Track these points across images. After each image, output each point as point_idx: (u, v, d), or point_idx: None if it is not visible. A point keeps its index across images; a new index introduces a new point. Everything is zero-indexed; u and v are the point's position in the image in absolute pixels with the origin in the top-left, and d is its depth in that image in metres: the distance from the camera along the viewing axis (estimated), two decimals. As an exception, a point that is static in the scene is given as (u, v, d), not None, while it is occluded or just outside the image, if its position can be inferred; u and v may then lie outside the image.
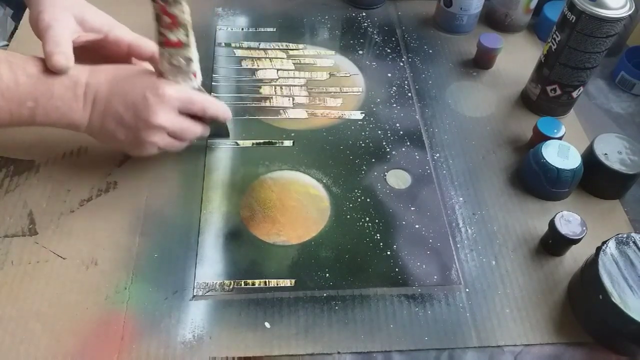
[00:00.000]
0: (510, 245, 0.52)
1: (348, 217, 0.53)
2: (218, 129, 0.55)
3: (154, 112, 0.46)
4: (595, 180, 0.55)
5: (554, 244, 0.50)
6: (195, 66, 0.49)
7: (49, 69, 0.44)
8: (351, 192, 0.55)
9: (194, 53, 0.48)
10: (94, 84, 0.46)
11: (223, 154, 0.57)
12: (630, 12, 0.52)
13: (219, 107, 0.51)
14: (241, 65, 0.67)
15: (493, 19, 0.75)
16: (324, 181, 0.55)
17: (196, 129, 0.51)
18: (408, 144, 0.60)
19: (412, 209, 0.54)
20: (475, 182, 0.56)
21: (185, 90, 0.49)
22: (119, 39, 0.50)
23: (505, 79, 0.68)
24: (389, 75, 0.67)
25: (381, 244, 0.51)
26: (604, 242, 0.45)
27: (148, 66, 0.52)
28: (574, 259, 0.51)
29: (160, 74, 0.48)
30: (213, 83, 0.64)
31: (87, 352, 0.42)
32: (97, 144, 0.56)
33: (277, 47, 0.70)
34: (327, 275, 0.48)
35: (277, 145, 0.59)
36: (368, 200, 0.54)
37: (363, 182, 0.56)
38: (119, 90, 0.47)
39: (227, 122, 0.55)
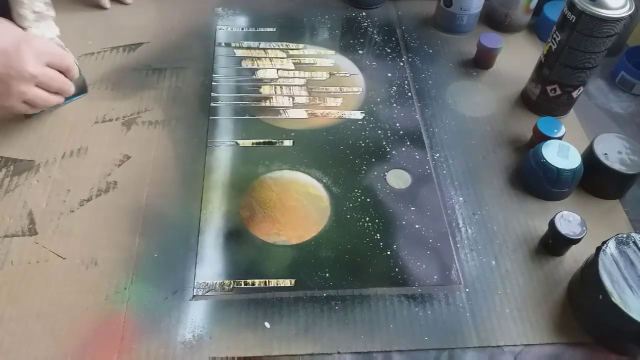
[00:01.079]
0: (510, 245, 0.52)
1: (348, 217, 0.53)
2: (78, 86, 0.58)
3: (26, 62, 0.48)
4: (595, 180, 0.55)
5: (554, 244, 0.50)
6: (53, 12, 0.52)
7: None
8: (351, 192, 0.55)
9: None
10: None
11: (223, 154, 0.57)
12: (630, 12, 0.52)
13: (72, 60, 0.55)
14: (241, 65, 0.67)
15: (493, 19, 0.75)
16: (324, 181, 0.55)
17: (61, 78, 0.53)
18: (408, 143, 0.60)
19: (412, 209, 0.54)
20: (475, 182, 0.56)
21: (54, 46, 0.52)
22: None
23: (505, 79, 0.68)
24: (389, 75, 0.67)
25: (381, 244, 0.51)
26: (604, 242, 0.45)
27: None
28: (574, 259, 0.51)
29: (23, 27, 0.51)
30: (213, 83, 0.64)
31: (87, 352, 0.42)
32: (97, 144, 0.57)
33: (277, 47, 0.70)
34: (327, 275, 0.48)
35: (277, 145, 0.59)
36: (368, 200, 0.54)
37: (363, 182, 0.56)
38: None
39: (83, 76, 0.59)
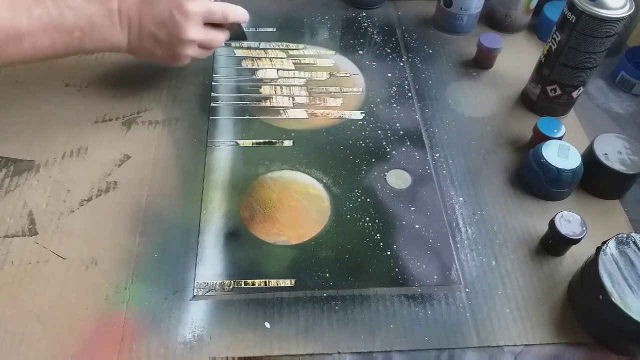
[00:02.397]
0: (510, 245, 0.52)
1: (348, 217, 0.53)
2: (236, 33, 0.60)
3: (183, 29, 0.52)
4: (595, 180, 0.55)
5: (554, 244, 0.50)
6: None
7: (85, 0, 0.49)
8: (351, 192, 0.55)
9: None
10: (124, 10, 0.51)
11: (223, 154, 0.57)
12: (630, 12, 0.52)
13: (237, 10, 0.57)
14: (241, 65, 0.67)
15: (493, 19, 0.75)
16: (324, 181, 0.55)
17: (220, 37, 0.57)
18: (408, 144, 0.60)
19: (412, 209, 0.54)
20: (475, 182, 0.56)
21: (204, 3, 0.54)
22: None
23: (505, 79, 0.68)
24: (389, 75, 0.67)
25: (381, 244, 0.51)
26: (604, 242, 0.45)
27: None
28: (574, 259, 0.51)
29: None
30: (213, 83, 0.64)
31: (87, 352, 0.42)
32: (97, 144, 0.57)
33: (277, 47, 0.70)
34: (327, 275, 0.48)
35: (277, 145, 0.59)
36: (368, 200, 0.54)
37: (363, 182, 0.56)
38: (147, 12, 0.52)
39: (242, 27, 0.60)
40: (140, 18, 0.52)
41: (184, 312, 0.45)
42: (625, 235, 0.45)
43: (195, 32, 0.54)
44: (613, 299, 0.42)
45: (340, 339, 0.45)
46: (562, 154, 0.53)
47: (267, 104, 0.63)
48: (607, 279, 0.43)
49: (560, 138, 0.56)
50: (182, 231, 0.50)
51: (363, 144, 0.59)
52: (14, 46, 0.46)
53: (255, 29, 0.72)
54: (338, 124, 0.61)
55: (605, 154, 0.54)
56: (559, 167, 0.52)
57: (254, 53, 0.68)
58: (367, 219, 0.52)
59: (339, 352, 0.44)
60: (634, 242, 0.45)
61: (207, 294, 0.47)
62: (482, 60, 0.69)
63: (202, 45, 0.56)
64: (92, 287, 0.46)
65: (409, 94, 0.65)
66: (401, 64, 0.69)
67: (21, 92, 0.61)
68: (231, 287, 0.47)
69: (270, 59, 0.68)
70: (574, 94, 0.61)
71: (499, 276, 0.49)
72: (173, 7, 0.52)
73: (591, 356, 0.45)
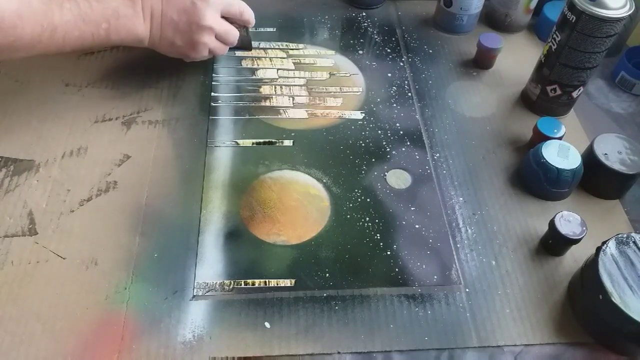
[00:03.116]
0: (510, 245, 0.52)
1: (348, 217, 0.53)
2: (243, 40, 0.64)
3: (202, 15, 0.55)
4: (595, 180, 0.55)
5: (554, 244, 0.50)
6: None
7: None
8: (351, 192, 0.55)
9: None
10: (147, 0, 0.54)
11: (223, 154, 0.57)
12: (630, 12, 0.52)
13: (249, 10, 0.62)
14: (241, 65, 0.67)
15: (493, 19, 0.75)
16: (324, 181, 0.55)
17: (235, 32, 0.60)
18: (408, 143, 0.60)
19: (412, 209, 0.54)
20: (475, 182, 0.56)
21: None
22: None
23: (505, 79, 0.68)
24: (389, 75, 0.67)
25: (381, 244, 0.51)
26: (604, 242, 0.45)
27: None
28: (574, 259, 0.51)
29: None
30: (213, 83, 0.64)
31: (87, 352, 0.42)
32: (97, 144, 0.57)
33: (277, 47, 0.70)
34: (327, 275, 0.48)
35: (277, 145, 0.59)
36: (368, 200, 0.54)
37: (363, 182, 0.56)
38: (169, 1, 0.55)
39: (249, 34, 0.66)
40: (162, 7, 0.55)
41: (184, 312, 0.45)
42: (625, 235, 0.45)
43: (214, 19, 0.57)
44: (613, 299, 0.42)
45: (340, 339, 0.45)
46: (562, 154, 0.53)
47: (267, 103, 0.63)
48: (607, 279, 0.43)
49: (560, 138, 0.56)
50: (182, 231, 0.50)
51: (363, 144, 0.59)
52: (47, 38, 0.49)
53: (255, 29, 0.72)
54: (338, 124, 0.61)
55: (605, 154, 0.54)
56: (559, 167, 0.52)
57: (254, 53, 0.68)
58: (367, 219, 0.52)
59: (339, 352, 0.44)
60: (634, 242, 0.45)
61: (207, 294, 0.47)
62: (482, 60, 0.69)
63: (219, 37, 0.59)
64: (92, 287, 0.46)
65: (409, 94, 0.65)
66: (401, 64, 0.69)
67: (21, 92, 0.61)
68: (231, 287, 0.47)
69: (270, 58, 0.68)
70: (574, 94, 0.61)
71: (499, 276, 0.49)
72: None
73: (591, 356, 0.45)
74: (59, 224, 0.50)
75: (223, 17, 0.59)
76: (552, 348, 0.45)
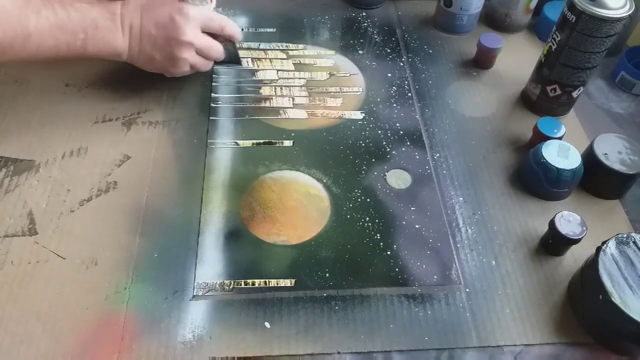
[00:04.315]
0: (510, 245, 0.52)
1: (348, 217, 0.53)
2: (230, 54, 0.62)
3: (182, 31, 0.54)
4: (595, 180, 0.55)
5: (554, 244, 0.50)
6: None
7: (90, 3, 0.51)
8: (351, 192, 0.55)
9: None
10: (127, 13, 0.53)
11: (223, 154, 0.57)
12: (630, 12, 0.52)
13: (234, 25, 0.59)
14: (241, 66, 0.67)
15: (493, 19, 0.75)
16: (324, 181, 0.55)
17: (218, 47, 0.59)
18: (408, 144, 0.60)
19: (412, 209, 0.54)
20: (475, 182, 0.56)
21: (204, 10, 0.56)
22: None
23: (505, 79, 0.68)
24: (389, 75, 0.67)
25: (381, 244, 0.51)
26: (604, 242, 0.45)
27: None
28: (574, 259, 0.51)
29: None
30: (213, 83, 0.64)
31: (87, 352, 0.42)
32: (97, 144, 0.57)
33: (277, 48, 0.70)
34: (327, 275, 0.48)
35: (277, 145, 0.59)
36: (368, 200, 0.54)
37: (363, 182, 0.56)
38: (149, 15, 0.54)
39: (236, 48, 0.63)
40: (142, 21, 0.53)
41: (184, 312, 0.45)
42: (625, 235, 0.45)
43: (193, 35, 0.55)
44: (613, 299, 0.42)
45: (340, 339, 0.45)
46: (562, 154, 0.53)
47: (267, 104, 0.63)
48: (607, 279, 0.43)
49: (560, 138, 0.56)
50: (182, 231, 0.50)
51: (363, 144, 0.59)
52: (20, 44, 0.47)
53: (255, 30, 0.72)
54: (338, 124, 0.61)
55: (605, 154, 0.54)
56: (559, 167, 0.52)
57: (254, 54, 0.68)
58: (367, 219, 0.52)
59: (339, 352, 0.44)
60: (634, 242, 0.45)
61: (207, 294, 0.47)
62: (482, 60, 0.69)
63: (200, 53, 0.57)
64: (92, 287, 0.46)
65: (409, 94, 0.65)
66: (401, 64, 0.69)
67: (21, 92, 0.61)
68: (231, 287, 0.47)
69: (270, 59, 0.68)
70: (574, 94, 0.61)
71: (499, 276, 0.49)
72: (173, 11, 0.54)
73: (591, 356, 0.45)
74: (59, 224, 0.50)
75: (205, 32, 0.57)
76: (552, 348, 0.45)
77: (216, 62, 0.62)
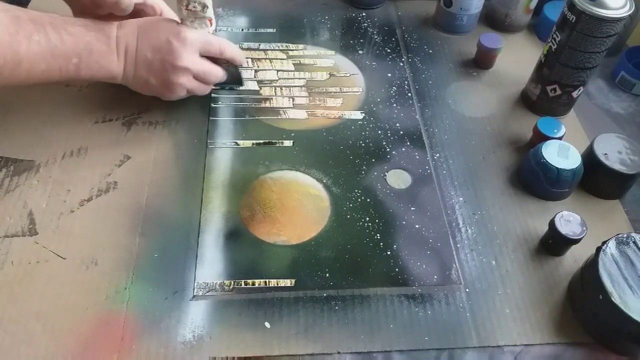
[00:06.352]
0: (510, 245, 0.52)
1: (348, 217, 0.53)
2: (232, 76, 0.60)
3: (178, 55, 0.52)
4: (595, 180, 0.55)
5: (554, 244, 0.50)
6: (210, 13, 0.54)
7: (85, 26, 0.50)
8: (351, 192, 0.55)
9: (208, 0, 0.53)
10: (123, 36, 0.52)
11: (223, 154, 0.57)
12: (630, 12, 0.52)
13: (235, 49, 0.57)
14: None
15: (493, 19, 0.75)
16: (324, 181, 0.55)
17: (217, 71, 0.57)
18: (408, 144, 0.60)
19: (412, 209, 0.54)
20: (475, 182, 0.56)
21: (203, 33, 0.54)
22: (155, 4, 0.57)
23: (505, 79, 0.68)
24: (389, 75, 0.67)
25: (381, 244, 0.51)
26: (604, 242, 0.45)
27: (171, 14, 0.59)
28: (574, 259, 0.51)
29: (180, 22, 0.54)
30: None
31: (87, 352, 0.42)
32: (97, 144, 0.57)
33: (277, 48, 0.70)
34: (327, 275, 0.48)
35: (277, 145, 0.59)
36: (368, 200, 0.54)
37: (363, 182, 0.56)
38: (145, 39, 0.52)
39: (240, 69, 0.60)
40: (138, 45, 0.52)
41: (184, 312, 0.45)
42: (625, 235, 0.45)
43: (190, 60, 0.53)
44: (613, 299, 0.42)
45: (340, 339, 0.45)
46: (562, 154, 0.53)
47: (267, 105, 0.63)
48: (607, 279, 0.43)
49: (560, 138, 0.56)
50: (182, 231, 0.50)
51: (363, 144, 0.59)
52: (9, 70, 0.46)
53: (255, 30, 0.72)
54: (338, 124, 0.61)
55: (605, 154, 0.54)
56: (559, 167, 0.52)
57: (254, 54, 0.68)
58: (367, 219, 0.52)
59: (339, 352, 0.44)
60: (634, 242, 0.45)
61: (207, 294, 0.47)
62: (482, 60, 0.69)
63: (198, 77, 0.55)
64: (92, 287, 0.46)
65: (409, 94, 0.65)
66: (401, 64, 0.69)
67: (21, 92, 0.61)
68: (231, 287, 0.47)
69: (271, 60, 0.68)
70: (574, 94, 0.61)
71: (499, 276, 0.49)
72: (170, 34, 0.52)
73: (591, 356, 0.45)
74: (59, 224, 0.50)
75: (204, 55, 0.55)
76: (552, 348, 0.45)
77: (217, 84, 0.59)
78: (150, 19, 0.55)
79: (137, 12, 0.56)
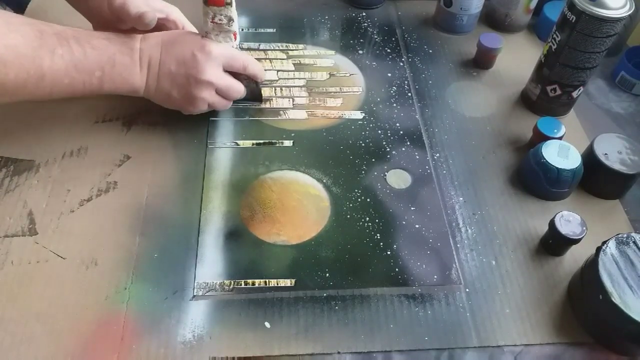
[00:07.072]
0: (510, 245, 0.52)
1: (348, 217, 0.53)
2: (252, 92, 0.60)
3: (202, 69, 0.52)
4: (595, 180, 0.55)
5: (554, 244, 0.50)
6: (235, 27, 0.54)
7: (108, 39, 0.50)
8: (351, 192, 0.55)
9: (234, 13, 0.52)
10: (146, 49, 0.51)
11: (223, 154, 0.57)
12: (630, 12, 0.52)
13: (257, 65, 0.57)
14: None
15: (493, 19, 0.75)
16: (324, 181, 0.55)
17: (239, 87, 0.56)
18: (408, 144, 0.60)
19: (412, 209, 0.54)
20: (475, 182, 0.56)
21: (227, 47, 0.54)
22: (177, 19, 0.57)
23: (505, 79, 0.68)
24: (389, 75, 0.67)
25: (381, 244, 0.51)
26: (604, 242, 0.45)
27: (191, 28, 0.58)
28: (574, 259, 0.51)
29: (204, 35, 0.54)
30: (213, 83, 0.64)
31: (87, 352, 0.42)
32: (97, 144, 0.57)
33: (277, 48, 0.70)
34: (327, 275, 0.48)
35: (277, 145, 0.59)
36: (368, 200, 0.54)
37: (363, 182, 0.56)
38: (169, 52, 0.52)
39: (260, 86, 0.60)
40: (162, 57, 0.52)
41: (184, 312, 0.45)
42: (625, 235, 0.45)
43: (214, 74, 0.53)
44: (613, 299, 0.42)
45: (340, 339, 0.45)
46: (562, 154, 0.53)
47: (267, 105, 0.63)
48: (607, 279, 0.43)
49: (560, 138, 0.56)
50: (182, 231, 0.50)
51: (363, 144, 0.59)
52: (33, 84, 0.46)
53: (255, 30, 0.72)
54: (338, 124, 0.61)
55: (605, 154, 0.54)
56: (559, 167, 0.52)
57: (254, 54, 0.68)
58: (367, 219, 0.52)
59: (339, 352, 0.44)
60: (634, 242, 0.45)
61: (207, 294, 0.47)
62: (482, 60, 0.69)
63: (220, 92, 0.55)
64: (92, 287, 0.46)
65: (409, 94, 0.65)
66: (401, 64, 0.69)
67: (21, 92, 0.61)
68: (231, 287, 0.47)
69: (271, 60, 0.68)
70: (574, 94, 0.61)
71: (499, 276, 0.49)
72: (195, 48, 0.52)
73: (591, 356, 0.45)
74: (59, 224, 0.50)
75: (227, 70, 0.55)
76: (552, 348, 0.45)
77: (236, 99, 0.58)
78: (175, 32, 0.55)
79: (159, 27, 0.55)
